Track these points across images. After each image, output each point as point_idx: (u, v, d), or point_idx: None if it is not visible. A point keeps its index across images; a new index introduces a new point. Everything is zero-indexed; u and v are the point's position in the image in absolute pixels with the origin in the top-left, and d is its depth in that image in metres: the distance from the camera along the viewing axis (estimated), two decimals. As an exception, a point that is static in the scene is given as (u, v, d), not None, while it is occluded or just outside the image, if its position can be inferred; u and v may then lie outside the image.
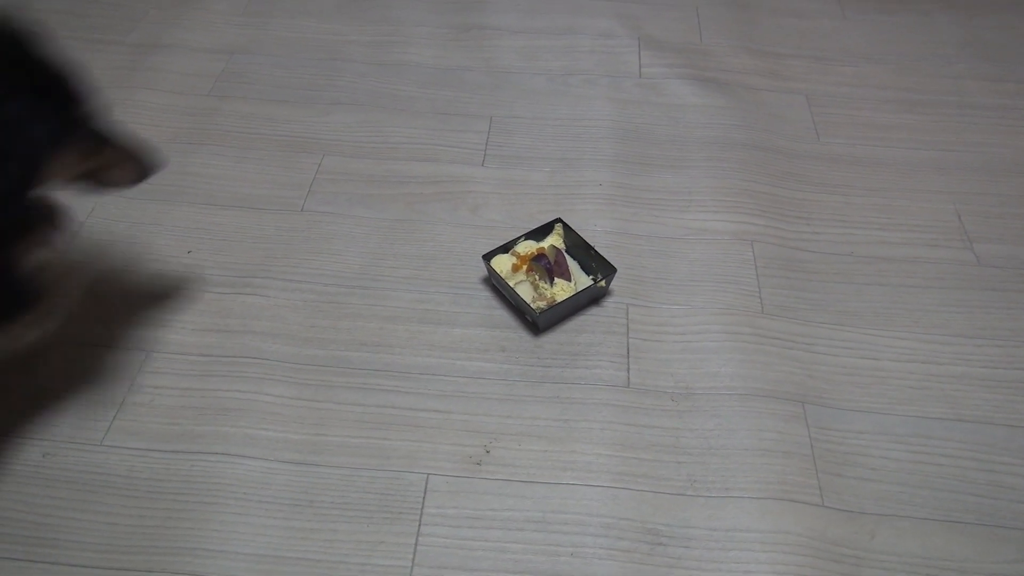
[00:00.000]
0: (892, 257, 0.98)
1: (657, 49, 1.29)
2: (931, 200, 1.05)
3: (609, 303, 0.91)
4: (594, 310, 0.91)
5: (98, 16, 1.32)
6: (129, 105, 1.15)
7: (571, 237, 0.94)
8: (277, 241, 0.97)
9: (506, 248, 0.93)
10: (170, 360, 0.84)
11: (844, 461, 0.78)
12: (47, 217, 0.73)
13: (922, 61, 1.29)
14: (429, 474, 0.76)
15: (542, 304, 0.87)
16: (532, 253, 0.91)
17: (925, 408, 0.83)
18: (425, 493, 0.75)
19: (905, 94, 1.23)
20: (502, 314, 0.90)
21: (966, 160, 1.11)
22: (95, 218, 0.99)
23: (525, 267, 0.90)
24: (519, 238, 0.94)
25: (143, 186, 1.02)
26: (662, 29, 1.34)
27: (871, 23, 1.37)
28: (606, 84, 1.22)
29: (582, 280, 0.92)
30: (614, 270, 0.89)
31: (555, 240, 0.95)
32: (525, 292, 0.89)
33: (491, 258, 0.91)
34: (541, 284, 0.88)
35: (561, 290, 0.88)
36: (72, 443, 0.77)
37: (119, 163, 0.72)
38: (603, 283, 0.89)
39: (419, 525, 0.72)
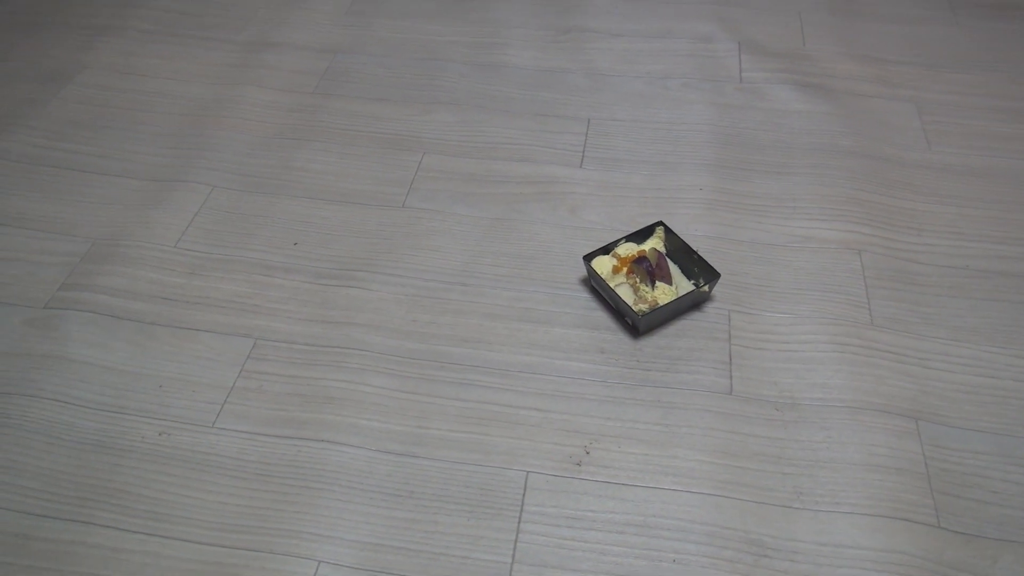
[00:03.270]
0: (1010, 272, 0.94)
1: (758, 54, 1.27)
2: (1053, 214, 1.00)
3: (710, 309, 0.90)
4: (695, 315, 0.89)
5: (211, 15, 1.38)
6: (238, 101, 1.19)
7: (672, 241, 0.93)
8: (379, 236, 0.99)
9: (606, 250, 0.92)
10: (276, 348, 0.87)
11: (961, 482, 0.75)
12: None
13: (1042, 69, 1.23)
14: (529, 472, 0.76)
15: (643, 307, 0.86)
16: (633, 256, 0.91)
17: (1049, 431, 0.78)
18: (525, 490, 0.75)
19: (1019, 103, 1.17)
20: (601, 315, 0.90)
21: (1092, 173, 1.05)
22: (207, 208, 1.02)
23: (626, 269, 0.90)
24: (619, 240, 0.93)
25: (250, 179, 1.06)
26: (763, 33, 1.31)
27: (984, 30, 1.31)
28: (706, 88, 1.21)
29: (683, 284, 0.90)
30: (717, 275, 0.88)
31: (656, 243, 0.94)
32: (626, 294, 0.88)
33: (591, 259, 0.91)
34: (642, 287, 0.88)
35: (662, 293, 0.87)
36: (186, 424, 0.80)
37: None
38: (706, 288, 0.88)
39: (519, 522, 0.73)
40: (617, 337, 0.87)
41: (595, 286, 0.91)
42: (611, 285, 0.88)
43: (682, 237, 0.92)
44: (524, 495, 0.74)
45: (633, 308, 0.86)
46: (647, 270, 0.88)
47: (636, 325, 0.86)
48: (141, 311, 0.91)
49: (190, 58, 1.28)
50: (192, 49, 1.30)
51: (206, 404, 0.82)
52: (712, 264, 0.90)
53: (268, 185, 1.06)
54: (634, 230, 0.96)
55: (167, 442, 0.79)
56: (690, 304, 0.89)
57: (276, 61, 1.27)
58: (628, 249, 0.92)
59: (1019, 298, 0.91)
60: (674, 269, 0.92)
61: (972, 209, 1.01)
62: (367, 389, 0.83)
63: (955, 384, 0.82)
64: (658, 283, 0.88)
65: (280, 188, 1.06)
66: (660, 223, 0.94)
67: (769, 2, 1.39)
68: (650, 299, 0.86)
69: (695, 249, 0.91)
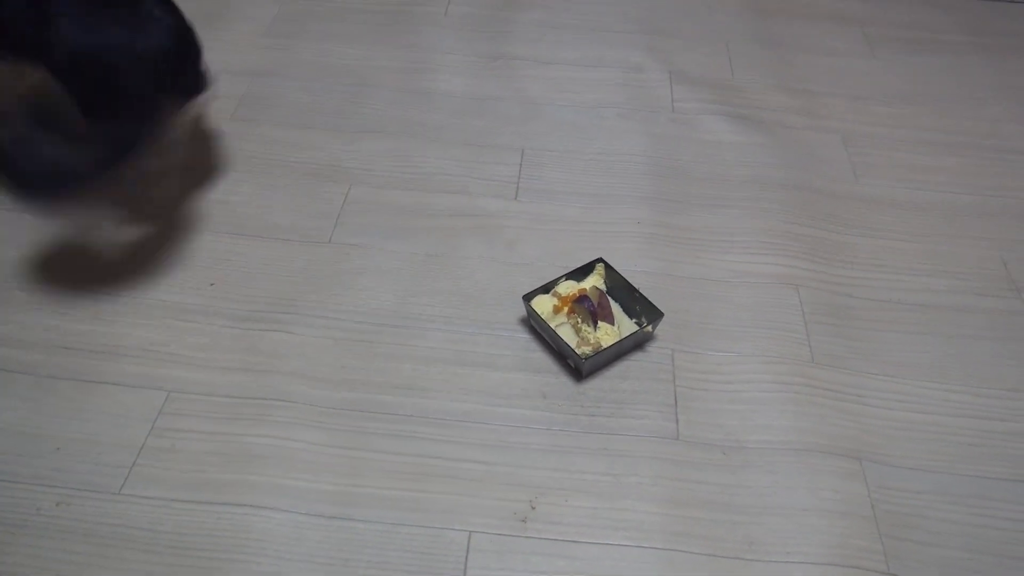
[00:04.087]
0: (940, 305, 0.95)
1: (689, 84, 1.27)
2: (976, 247, 1.03)
3: (653, 348, 0.88)
4: (637, 355, 0.87)
5: (116, 34, 1.28)
6: (148, 127, 1.11)
7: (613, 278, 0.90)
8: (305, 274, 0.93)
9: (546, 288, 0.89)
10: (192, 401, 0.80)
11: (906, 523, 0.74)
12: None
13: (957, 103, 1.27)
14: (472, 531, 0.72)
15: (587, 349, 0.83)
16: (574, 295, 0.88)
17: (984, 467, 0.79)
18: (468, 552, 0.70)
19: (942, 136, 1.21)
20: (542, 357, 0.86)
21: (1010, 206, 1.09)
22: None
23: (567, 309, 0.87)
24: (560, 278, 0.90)
25: (162, 213, 0.98)
26: (693, 64, 1.32)
27: (902, 64, 1.35)
28: (639, 118, 1.20)
29: (625, 324, 0.88)
30: (661, 314, 0.86)
31: (596, 281, 0.91)
32: (567, 335, 0.85)
33: (531, 298, 0.87)
34: (584, 327, 0.85)
35: (605, 334, 0.84)
36: (89, 491, 0.72)
37: None
38: (649, 328, 0.86)
39: (462, 587, 0.68)
40: (559, 380, 0.84)
41: (535, 326, 0.88)
42: (552, 326, 0.85)
43: (622, 274, 0.90)
44: (467, 557, 0.70)
45: (576, 350, 0.82)
46: (589, 310, 0.85)
47: (579, 368, 0.83)
48: (36, 363, 0.82)
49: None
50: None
51: (112, 468, 0.74)
52: (653, 301, 0.88)
53: (182, 219, 0.98)
54: (573, 266, 0.93)
55: (67, 514, 0.71)
56: (633, 345, 0.87)
57: (190, 84, 1.19)
58: (568, 287, 0.89)
59: (949, 331, 0.92)
60: (616, 308, 0.89)
61: (900, 242, 1.03)
62: (294, 445, 0.77)
63: (893, 421, 0.83)
64: (600, 323, 0.85)
65: (196, 223, 0.98)
66: (600, 260, 0.92)
67: (697, 32, 1.39)
68: (593, 341, 0.83)
69: (636, 287, 0.89)
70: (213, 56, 1.24)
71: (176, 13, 0.83)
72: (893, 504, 0.75)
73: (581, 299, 0.86)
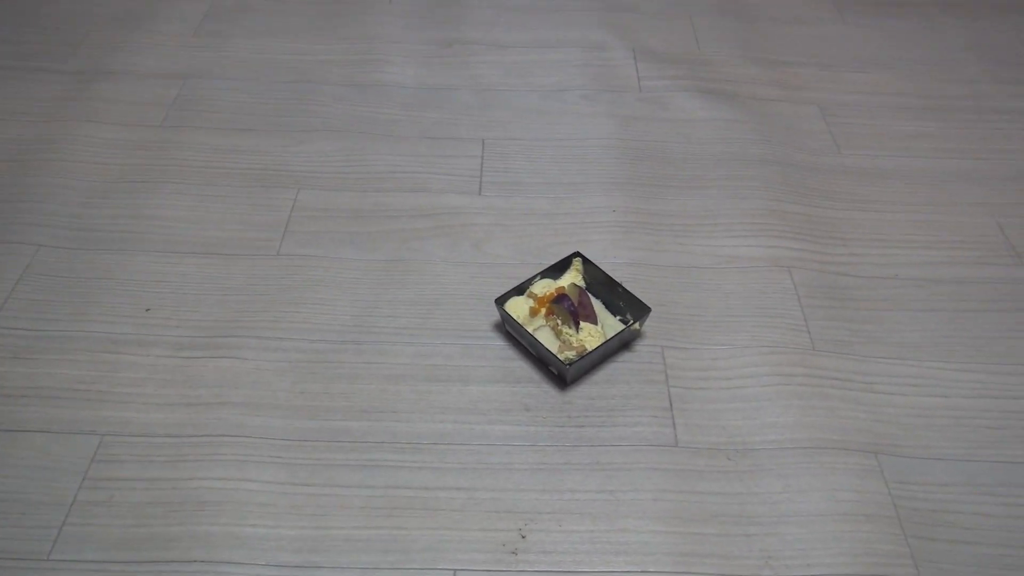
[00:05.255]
0: (940, 278, 0.89)
1: (655, 60, 1.20)
2: (970, 213, 0.97)
3: (641, 347, 0.80)
4: (625, 356, 0.79)
5: (30, 42, 1.17)
6: (68, 141, 1.00)
7: (592, 273, 0.83)
8: (252, 292, 0.84)
9: (520, 289, 0.81)
10: (130, 444, 0.70)
11: (933, 521, 0.68)
12: None
13: (932, 66, 1.22)
14: (457, 570, 0.63)
15: (571, 354, 0.75)
16: (551, 294, 0.80)
17: (1009, 451, 0.73)
18: (454, 595, 0.62)
19: (921, 100, 1.15)
20: (521, 366, 0.78)
21: (999, 169, 1.03)
22: (31, 273, 0.84)
23: (544, 310, 0.79)
24: (534, 277, 0.82)
25: (86, 234, 0.88)
26: (657, 39, 1.25)
27: (873, 28, 1.30)
28: (605, 100, 1.12)
29: (609, 322, 0.80)
30: (648, 310, 0.78)
31: (574, 277, 0.83)
32: (547, 339, 0.77)
33: (504, 301, 0.79)
34: (565, 330, 0.77)
35: (589, 336, 0.76)
36: (12, 559, 0.63)
37: None
38: (637, 326, 0.78)
39: (450, 637, 0.60)
40: (542, 390, 0.76)
41: (511, 332, 0.80)
42: (530, 330, 0.77)
43: (602, 268, 0.82)
44: (454, 601, 0.62)
45: (559, 356, 0.74)
46: (569, 310, 0.77)
47: (563, 375, 0.75)
48: (-53, 414, 0.72)
49: (6, 93, 1.08)
50: (8, 82, 1.10)
51: (39, 529, 0.64)
52: (638, 295, 0.80)
53: (110, 240, 0.88)
54: (548, 262, 0.85)
55: (-14, 588, 0.61)
56: (619, 345, 0.79)
57: (114, 92, 1.09)
58: (545, 286, 0.81)
59: (952, 306, 0.86)
60: (598, 305, 0.81)
61: (892, 214, 0.97)
62: (250, 486, 0.68)
63: (907, 408, 0.76)
64: (583, 324, 0.77)
65: (126, 242, 0.88)
66: (577, 254, 0.84)
67: (657, 6, 1.32)
68: (576, 344, 0.75)
69: (618, 281, 0.81)
70: (139, 60, 1.14)
71: None
72: (916, 500, 0.69)
73: (560, 298, 0.78)
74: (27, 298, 0.82)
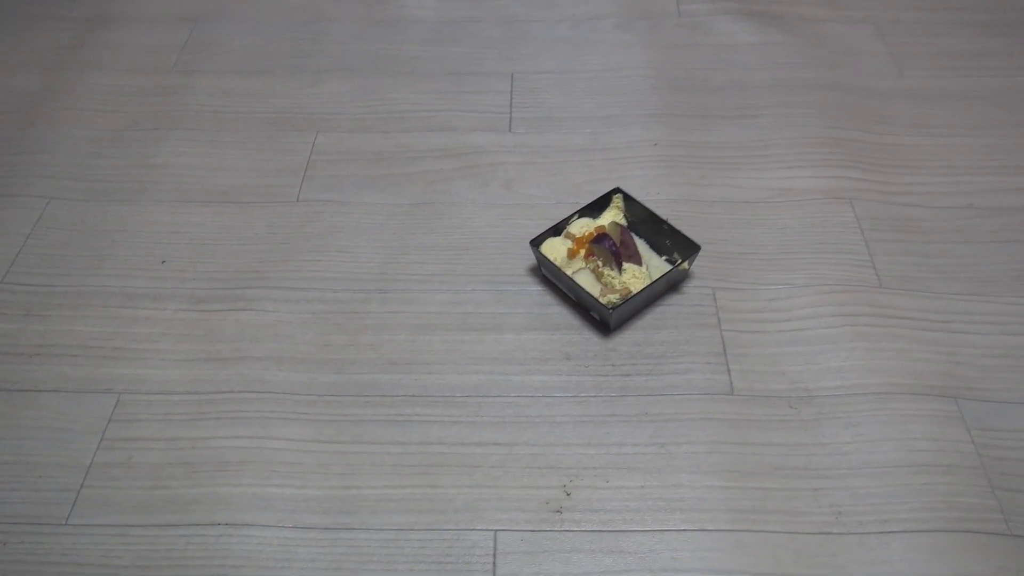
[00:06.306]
0: (1013, 207, 0.81)
1: (694, -17, 1.11)
2: (1047, 135, 0.88)
3: (690, 289, 0.74)
4: (673, 299, 0.73)
5: (33, -12, 1.12)
6: (76, 90, 0.96)
7: (634, 210, 0.76)
8: (271, 241, 0.79)
9: (557, 230, 0.75)
10: (148, 403, 0.66)
11: (1021, 471, 0.61)
12: None
13: (999, -23, 1.11)
14: (497, 530, 0.59)
15: (614, 297, 0.69)
16: (590, 234, 0.74)
17: (1102, 392, 0.66)
18: (495, 556, 0.57)
19: (984, 16, 1.05)
20: (560, 312, 0.72)
21: (1078, 86, 0.94)
22: (42, 227, 0.80)
23: (584, 252, 0.73)
24: (571, 216, 0.76)
25: (98, 185, 0.84)
26: (695, -39, 1.15)
27: (932, -61, 1.19)
28: (642, 27, 1.04)
29: (654, 263, 0.74)
30: (697, 248, 0.72)
31: (615, 215, 0.77)
32: (588, 283, 0.71)
33: (540, 243, 0.73)
34: (607, 272, 0.71)
35: (633, 277, 0.70)
36: (30, 524, 0.59)
37: None
38: (685, 265, 0.72)
39: (492, 601, 0.55)
40: (583, 337, 0.70)
41: (548, 276, 0.74)
42: (568, 273, 0.71)
43: (645, 204, 0.76)
44: (495, 563, 0.57)
45: (600, 300, 0.69)
46: (611, 250, 0.71)
47: (606, 320, 0.69)
48: (-42, 375, 0.68)
49: (10, 43, 1.03)
50: (11, 32, 1.05)
51: (56, 493, 0.61)
52: (685, 233, 0.74)
53: (122, 190, 0.84)
54: (586, 200, 0.78)
55: (6, 554, 0.58)
56: (666, 286, 0.73)
57: (121, 38, 1.03)
58: (583, 226, 0.75)
59: (1032, 236, 0.78)
60: (641, 245, 0.75)
61: (961, 138, 0.88)
62: (274, 444, 0.64)
63: (986, 349, 0.69)
64: (626, 265, 0.71)
65: (138, 192, 0.84)
66: (617, 190, 0.77)
67: (695, -73, 1.22)
68: (619, 286, 0.69)
69: (664, 218, 0.74)
70: (146, 5, 1.08)
71: None
72: (1002, 449, 0.62)
73: (600, 238, 0.72)
74: (38, 253, 0.78)
